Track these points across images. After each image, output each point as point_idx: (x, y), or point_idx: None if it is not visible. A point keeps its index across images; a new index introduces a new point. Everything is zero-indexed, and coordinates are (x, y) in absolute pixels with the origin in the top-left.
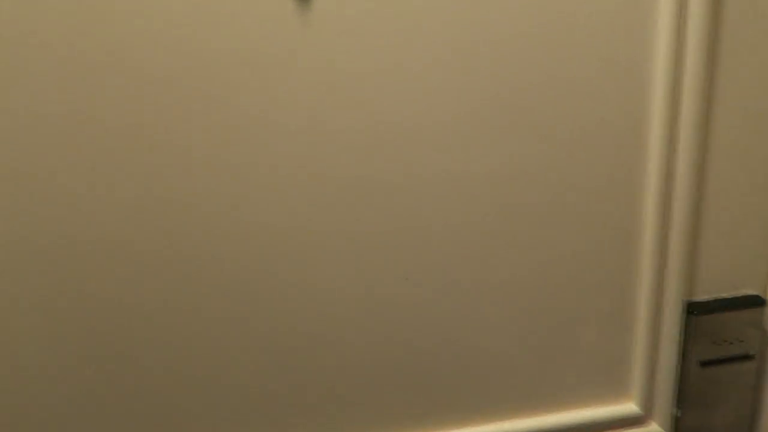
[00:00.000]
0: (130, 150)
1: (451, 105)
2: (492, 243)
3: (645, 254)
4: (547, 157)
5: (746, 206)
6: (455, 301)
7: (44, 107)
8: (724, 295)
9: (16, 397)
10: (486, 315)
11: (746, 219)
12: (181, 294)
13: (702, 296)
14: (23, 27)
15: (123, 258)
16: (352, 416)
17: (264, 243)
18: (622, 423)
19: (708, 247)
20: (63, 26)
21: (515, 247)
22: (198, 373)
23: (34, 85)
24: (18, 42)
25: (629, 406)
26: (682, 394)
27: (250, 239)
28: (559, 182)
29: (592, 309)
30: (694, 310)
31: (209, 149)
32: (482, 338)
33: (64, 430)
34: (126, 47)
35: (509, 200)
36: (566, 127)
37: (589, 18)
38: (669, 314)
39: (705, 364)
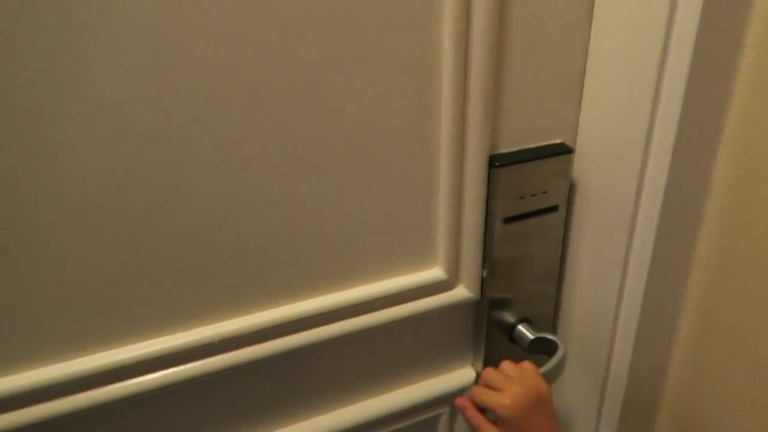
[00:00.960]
0: None
1: None
2: (283, 96)
3: (444, 107)
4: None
5: (551, 50)
6: (252, 171)
7: None
8: (531, 145)
9: None
10: (283, 182)
11: (552, 63)
12: None
13: (507, 148)
14: None
15: None
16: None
17: None
18: (429, 289)
19: (511, 96)
20: None
21: (310, 103)
22: None
23: None
24: None
25: (435, 272)
26: (489, 254)
27: None
28: (350, 25)
29: (394, 173)
30: (497, 162)
31: None
32: (278, 210)
33: None
34: None
35: (303, 50)
36: None
37: None
38: (472, 170)
39: (509, 220)
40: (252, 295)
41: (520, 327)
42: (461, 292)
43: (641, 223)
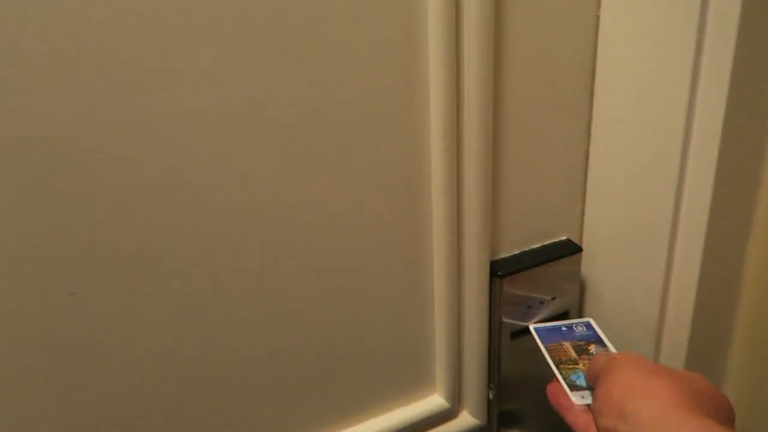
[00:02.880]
0: None
1: None
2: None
3: (436, 217)
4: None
5: (549, 142)
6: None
7: None
8: (535, 246)
9: None
10: (256, 319)
11: (550, 154)
12: None
13: (508, 252)
14: None
15: None
16: None
17: None
18: (428, 422)
19: (510, 196)
20: None
21: (285, 226)
22: None
23: None
24: None
25: (434, 400)
26: (495, 373)
27: None
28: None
29: (383, 294)
30: (499, 270)
31: None
32: (254, 351)
33: None
34: None
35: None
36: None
37: None
38: (471, 282)
39: (516, 334)
40: None
41: None
42: (466, 420)
43: (669, 330)
